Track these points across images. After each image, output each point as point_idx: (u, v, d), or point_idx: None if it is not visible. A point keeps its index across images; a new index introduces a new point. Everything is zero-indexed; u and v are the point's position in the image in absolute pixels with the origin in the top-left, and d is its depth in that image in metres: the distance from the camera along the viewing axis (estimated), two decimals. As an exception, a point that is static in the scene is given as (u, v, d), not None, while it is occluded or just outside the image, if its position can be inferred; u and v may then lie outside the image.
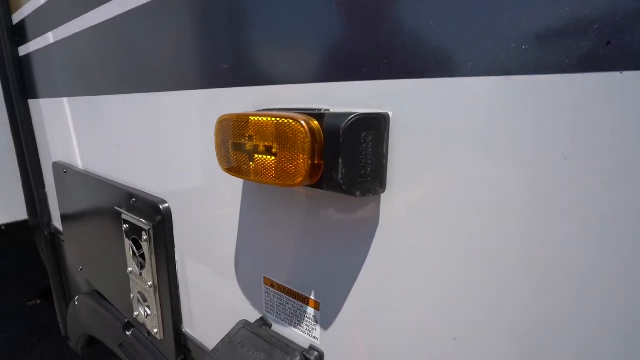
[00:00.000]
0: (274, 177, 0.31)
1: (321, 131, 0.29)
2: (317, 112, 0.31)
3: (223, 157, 0.36)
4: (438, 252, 0.29)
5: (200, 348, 0.61)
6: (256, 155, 0.32)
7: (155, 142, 0.59)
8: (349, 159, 0.27)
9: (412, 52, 0.27)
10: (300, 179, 0.29)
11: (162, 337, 0.67)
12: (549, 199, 0.24)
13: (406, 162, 0.30)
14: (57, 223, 1.16)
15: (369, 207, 0.32)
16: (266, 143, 0.31)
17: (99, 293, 0.95)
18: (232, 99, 0.43)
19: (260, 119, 0.31)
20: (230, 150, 0.35)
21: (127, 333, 0.80)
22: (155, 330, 0.67)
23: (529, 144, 0.24)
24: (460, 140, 0.27)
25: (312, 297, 0.40)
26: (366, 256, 0.34)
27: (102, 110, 0.71)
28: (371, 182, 0.29)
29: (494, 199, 0.26)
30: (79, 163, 0.87)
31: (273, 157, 0.30)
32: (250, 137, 0.32)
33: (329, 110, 0.32)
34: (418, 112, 0.28)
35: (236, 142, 0.34)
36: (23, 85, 1.06)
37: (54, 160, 0.99)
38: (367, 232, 0.33)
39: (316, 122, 0.29)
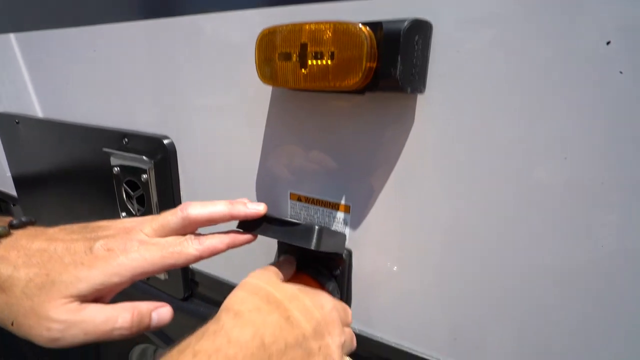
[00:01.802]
0: (330, 79, 0.34)
1: (373, 36, 0.33)
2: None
3: (266, 71, 0.38)
4: (471, 153, 0.36)
5: (209, 278, 0.64)
6: (310, 62, 0.34)
7: (149, 74, 0.57)
8: (406, 58, 0.32)
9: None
10: (356, 79, 0.33)
11: (167, 277, 0.68)
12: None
13: (442, 67, 0.35)
14: (2, 186, 1.04)
15: (406, 108, 0.37)
16: (321, 48, 0.34)
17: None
18: (244, 20, 0.43)
19: (315, 26, 0.33)
20: (277, 62, 0.37)
21: (118, 283, 0.78)
22: (158, 271, 0.68)
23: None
24: (491, 51, 0.32)
25: (343, 202, 0.45)
26: (399, 155, 0.40)
27: (73, 47, 0.65)
28: (418, 81, 0.34)
29: (520, 107, 0.32)
30: (38, 111, 0.79)
31: (330, 61, 0.33)
32: (304, 45, 0.34)
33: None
34: (454, 22, 0.33)
35: (285, 52, 0.36)
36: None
37: (-3, 111, 0.87)
38: (401, 133, 0.39)
39: (367, 27, 0.33)
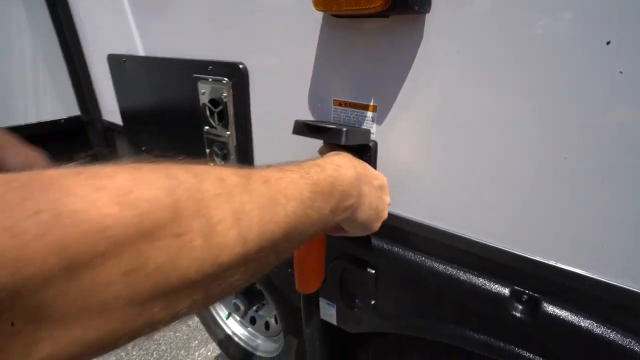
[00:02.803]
0: (362, 3, 0.49)
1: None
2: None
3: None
4: (473, 59, 0.49)
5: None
6: (347, -11, 0.50)
7: (229, 15, 0.75)
8: (414, -17, 0.46)
9: None
10: (381, 1, 0.48)
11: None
12: None
13: (444, -9, 0.48)
14: (109, 117, 1.33)
15: (417, 26, 0.52)
16: (357, -21, 0.49)
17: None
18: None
19: (353, -38, 0.48)
20: (326, -9, 0.52)
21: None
22: (233, 171, 0.90)
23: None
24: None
25: (371, 103, 0.61)
26: (411, 65, 0.55)
27: (169, -5, 0.85)
28: (424, 1, 0.48)
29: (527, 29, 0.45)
30: (140, 51, 1.01)
31: (361, -12, 0.49)
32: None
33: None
34: (454, -45, 0.46)
35: (331, -17, 0.51)
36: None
37: (108, 53, 1.12)
38: (413, 46, 0.53)
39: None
